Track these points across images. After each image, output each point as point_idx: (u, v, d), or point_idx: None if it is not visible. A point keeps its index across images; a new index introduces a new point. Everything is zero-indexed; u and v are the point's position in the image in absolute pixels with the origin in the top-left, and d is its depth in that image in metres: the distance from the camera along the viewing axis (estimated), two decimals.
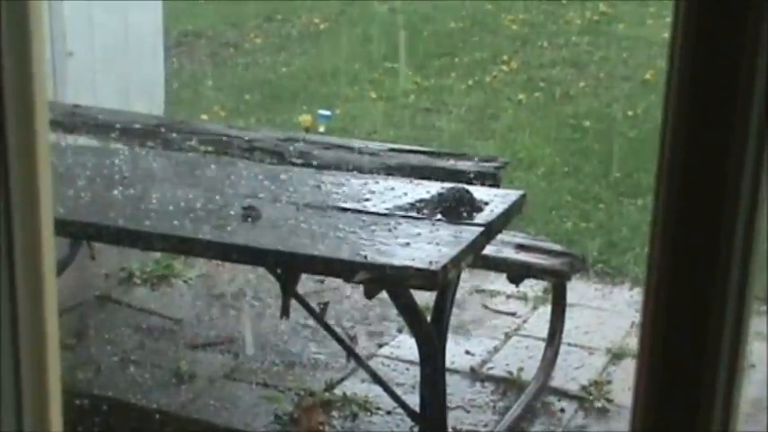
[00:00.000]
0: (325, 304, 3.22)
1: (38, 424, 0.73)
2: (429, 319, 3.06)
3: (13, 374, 0.71)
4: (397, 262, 2.68)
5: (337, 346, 3.55)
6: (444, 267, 2.67)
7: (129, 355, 3.87)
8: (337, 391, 3.66)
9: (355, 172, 3.56)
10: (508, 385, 3.75)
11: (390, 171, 3.63)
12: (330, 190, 3.27)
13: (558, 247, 3.81)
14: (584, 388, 3.72)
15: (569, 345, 3.98)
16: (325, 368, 3.82)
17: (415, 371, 3.38)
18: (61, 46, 5.16)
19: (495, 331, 4.17)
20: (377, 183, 3.32)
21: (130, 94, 5.62)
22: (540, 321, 4.14)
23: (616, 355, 3.96)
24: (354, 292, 4.22)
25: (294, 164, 3.75)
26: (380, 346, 4.02)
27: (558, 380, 3.78)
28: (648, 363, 0.79)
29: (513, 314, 4.32)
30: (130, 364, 3.81)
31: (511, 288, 4.27)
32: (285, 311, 3.02)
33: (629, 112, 6.84)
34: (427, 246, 2.78)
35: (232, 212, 3.06)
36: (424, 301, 3.25)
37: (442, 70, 7.84)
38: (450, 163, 3.71)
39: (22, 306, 0.68)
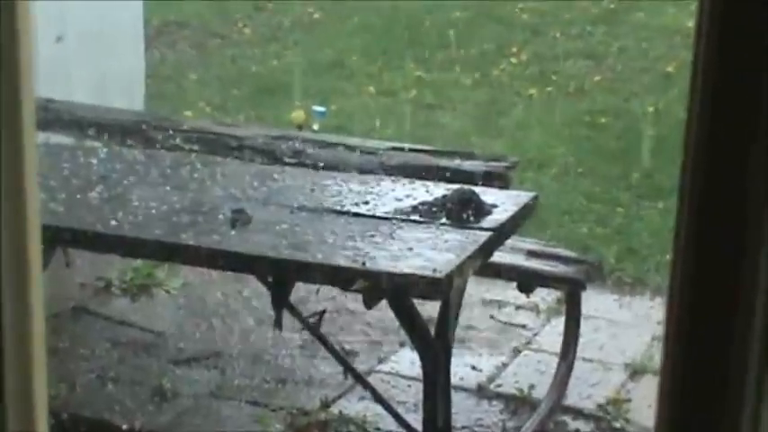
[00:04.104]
0: (321, 314, 3.22)
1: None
2: (433, 331, 3.07)
3: None
4: (398, 269, 2.69)
5: (333, 360, 3.56)
6: (449, 275, 2.67)
7: (107, 372, 3.88)
8: (333, 410, 3.66)
9: (353, 172, 3.56)
10: (518, 404, 3.76)
11: (391, 171, 3.63)
12: (326, 192, 3.27)
13: (572, 254, 3.81)
14: (600, 407, 3.73)
15: (584, 360, 3.98)
16: (321, 385, 3.83)
17: (418, 388, 3.38)
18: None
19: (504, 345, 4.17)
20: (376, 184, 3.33)
21: (108, 87, 5.62)
22: (552, 334, 4.14)
23: (636, 372, 3.96)
24: (352, 302, 4.22)
25: (286, 164, 3.76)
26: (380, 360, 4.03)
27: (572, 398, 3.79)
28: (671, 379, 0.80)
29: (523, 326, 4.33)
30: (108, 382, 3.82)
31: (521, 298, 4.27)
32: (277, 323, 3.03)
33: (650, 108, 6.84)
34: (431, 252, 2.79)
35: (220, 216, 3.06)
36: (427, 312, 3.26)
37: (445, 63, 7.85)
38: (455, 163, 3.72)
39: (7, 310, 0.69)
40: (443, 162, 3.73)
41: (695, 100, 0.76)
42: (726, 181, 0.75)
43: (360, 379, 3.48)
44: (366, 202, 3.16)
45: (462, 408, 3.67)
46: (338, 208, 3.13)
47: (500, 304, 4.49)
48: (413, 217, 3.03)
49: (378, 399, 3.38)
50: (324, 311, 3.25)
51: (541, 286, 3.81)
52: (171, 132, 4.06)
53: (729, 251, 0.76)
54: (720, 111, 0.75)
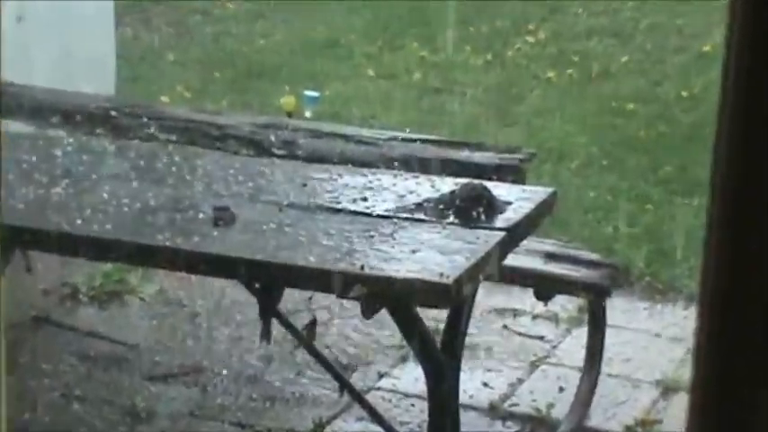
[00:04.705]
0: (311, 325, 3.23)
1: None
2: (439, 343, 3.08)
3: None
4: (400, 274, 2.70)
5: (328, 376, 3.56)
6: (458, 281, 2.68)
7: (72, 390, 3.88)
8: None
9: (349, 165, 3.57)
10: (535, 424, 3.77)
11: (392, 164, 3.64)
12: (319, 187, 3.28)
13: (595, 257, 3.82)
14: (628, 428, 3.74)
15: (610, 375, 3.99)
16: (314, 404, 3.84)
17: (423, 406, 3.39)
18: None
19: (520, 359, 4.18)
20: (376, 178, 3.34)
21: (73, 70, 5.63)
22: (574, 347, 4.15)
23: (668, 389, 3.97)
24: (349, 311, 4.23)
25: (275, 155, 3.77)
26: (380, 376, 4.04)
27: (596, 418, 3.80)
28: (702, 396, 0.81)
29: (541, 338, 4.34)
30: (74, 401, 3.82)
31: (539, 306, 4.28)
32: (265, 335, 3.03)
33: (684, 93, 6.85)
34: (437, 254, 2.80)
35: (200, 214, 3.07)
36: (433, 322, 3.26)
37: (454, 42, 7.85)
38: (464, 154, 3.73)
39: None
40: (451, 154, 3.74)
41: (729, 83, 0.76)
42: (762, 173, 0.76)
43: (357, 397, 3.48)
44: (364, 199, 3.17)
45: (472, 429, 3.68)
46: (333, 205, 3.13)
47: (515, 313, 4.50)
48: (417, 215, 3.04)
49: (377, 419, 3.38)
50: (314, 321, 3.26)
51: (561, 293, 3.81)
52: (145, 120, 4.06)
53: (766, 249, 0.76)
54: (756, 95, 0.75)
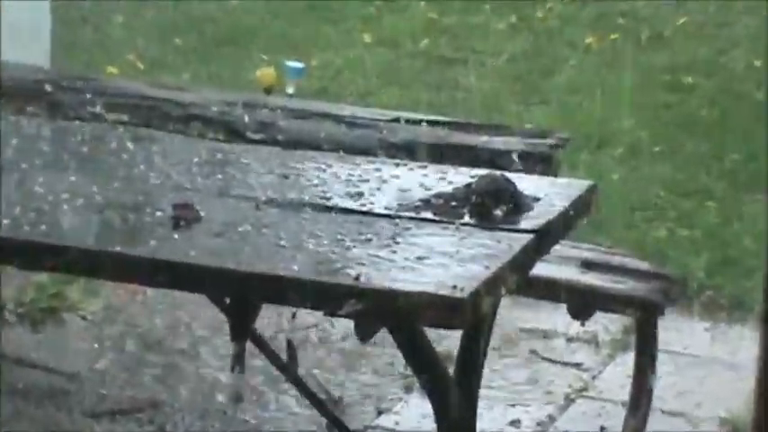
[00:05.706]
0: (290, 348, 3.24)
1: None
2: (452, 372, 3.09)
3: None
4: (403, 286, 2.71)
5: (315, 412, 3.57)
6: (474, 295, 2.69)
7: None
8: None
9: (341, 152, 3.59)
10: None
11: (394, 151, 3.65)
12: (304, 179, 3.30)
13: (644, 266, 3.84)
14: None
15: (663, 412, 4.00)
16: None
17: None
18: None
19: (552, 391, 4.20)
20: (374, 168, 3.35)
21: (2, 35, 5.64)
22: (617, 376, 4.17)
23: (735, 428, 3.98)
24: (342, 332, 4.25)
25: (250, 140, 3.78)
26: (380, 412, 4.05)
27: None
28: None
29: (577, 365, 4.35)
30: None
31: (575, 326, 4.30)
32: (237, 360, 3.05)
33: (756, 62, 6.86)
34: (449, 262, 2.81)
35: (157, 213, 3.08)
36: (444, 346, 3.28)
37: (469, 2, 7.87)
38: (482, 139, 3.74)
39: None
40: (466, 138, 3.75)
41: None
42: None
43: None
44: (360, 194, 3.18)
45: None
46: (321, 202, 3.14)
47: (545, 335, 4.52)
48: (424, 214, 3.05)
49: None
50: (290, 344, 3.26)
51: (602, 310, 3.82)
52: (88, 96, 4.07)
53: None
54: None
